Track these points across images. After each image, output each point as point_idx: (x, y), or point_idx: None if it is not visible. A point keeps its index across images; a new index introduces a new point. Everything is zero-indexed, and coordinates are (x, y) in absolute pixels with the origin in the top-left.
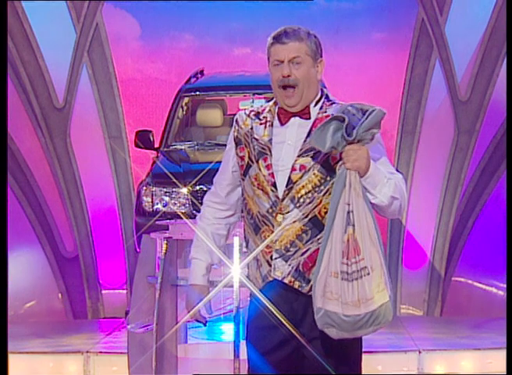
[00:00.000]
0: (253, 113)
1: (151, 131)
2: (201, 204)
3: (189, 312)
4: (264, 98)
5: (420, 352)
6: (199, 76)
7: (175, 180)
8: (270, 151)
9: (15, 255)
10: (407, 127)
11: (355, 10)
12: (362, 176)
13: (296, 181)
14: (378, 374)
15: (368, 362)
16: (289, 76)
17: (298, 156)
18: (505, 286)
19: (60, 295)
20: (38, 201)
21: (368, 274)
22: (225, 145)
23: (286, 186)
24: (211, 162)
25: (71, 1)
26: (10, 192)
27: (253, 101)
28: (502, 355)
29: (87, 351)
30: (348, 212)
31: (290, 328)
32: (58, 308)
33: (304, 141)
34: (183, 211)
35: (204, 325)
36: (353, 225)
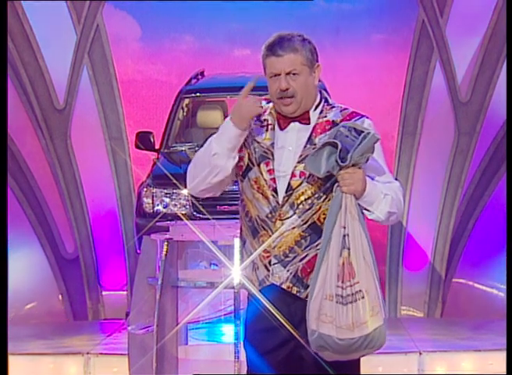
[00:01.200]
0: None
1: (151, 132)
2: (202, 205)
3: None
4: (265, 99)
5: (420, 354)
6: (199, 77)
7: (175, 182)
8: (272, 156)
9: (15, 257)
10: (408, 129)
11: (355, 11)
12: (358, 197)
13: (296, 187)
14: None
15: (368, 364)
16: (287, 89)
17: (298, 162)
18: (505, 287)
19: (60, 296)
20: (39, 203)
21: (363, 298)
22: None
23: (286, 192)
24: None
25: (72, 1)
26: (11, 193)
27: None
28: (502, 356)
29: (88, 353)
30: (344, 236)
31: (288, 330)
32: (59, 310)
33: (304, 146)
34: (184, 212)
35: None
36: (349, 248)
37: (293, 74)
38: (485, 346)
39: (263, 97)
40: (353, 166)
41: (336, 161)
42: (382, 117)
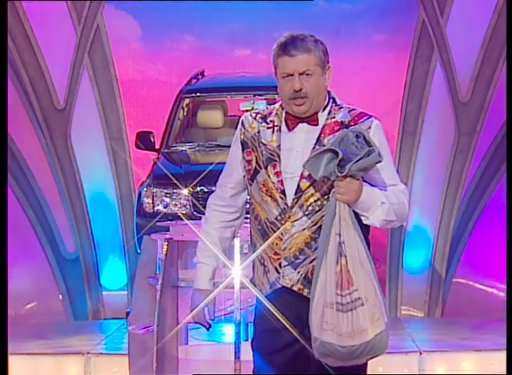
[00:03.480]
0: (259, 116)
1: (151, 132)
2: (202, 205)
3: (193, 316)
4: (265, 99)
5: (421, 353)
6: (200, 77)
7: (175, 182)
8: (279, 158)
9: (15, 256)
10: (408, 128)
11: (356, 11)
12: (351, 205)
13: (305, 189)
14: None
15: (368, 364)
16: (300, 89)
17: None
18: (505, 287)
19: (61, 296)
20: (39, 202)
21: (362, 305)
22: (226, 146)
23: (295, 194)
24: (211, 164)
25: (72, 0)
26: (11, 193)
27: (253, 103)
28: (502, 356)
29: (88, 353)
30: (339, 243)
31: (297, 330)
32: (59, 310)
33: (313, 147)
34: (184, 212)
35: (208, 329)
36: (345, 256)
37: (306, 75)
38: (485, 346)
39: (263, 97)
40: (350, 176)
41: (334, 168)
42: (382, 117)
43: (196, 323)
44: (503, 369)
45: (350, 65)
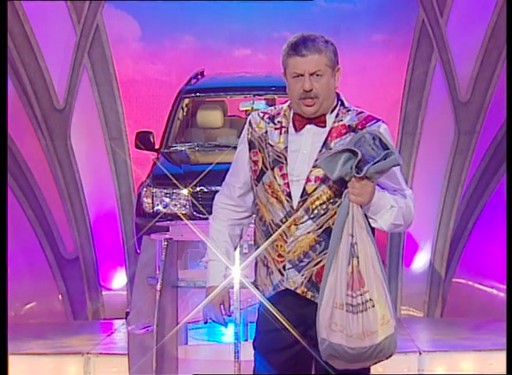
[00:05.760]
0: (267, 116)
1: (151, 132)
2: (202, 205)
3: (210, 315)
4: (265, 99)
5: (420, 353)
6: (199, 77)
7: (175, 182)
8: (286, 160)
9: (15, 256)
10: (408, 128)
11: (355, 11)
12: (363, 207)
13: (311, 192)
14: None
15: None
16: (311, 90)
17: (313, 167)
18: (505, 287)
19: (60, 296)
20: (39, 203)
21: (373, 306)
22: (225, 146)
23: (301, 197)
24: (211, 164)
25: (72, 0)
26: (11, 193)
27: (253, 103)
28: (502, 356)
29: (88, 353)
30: (352, 244)
31: (300, 331)
32: (59, 310)
33: (320, 150)
34: (184, 212)
35: (226, 326)
36: (358, 257)
37: (317, 75)
38: (485, 346)
39: (263, 97)
40: (366, 178)
41: (352, 169)
42: (382, 117)
43: (213, 321)
44: (503, 369)
45: (350, 65)
